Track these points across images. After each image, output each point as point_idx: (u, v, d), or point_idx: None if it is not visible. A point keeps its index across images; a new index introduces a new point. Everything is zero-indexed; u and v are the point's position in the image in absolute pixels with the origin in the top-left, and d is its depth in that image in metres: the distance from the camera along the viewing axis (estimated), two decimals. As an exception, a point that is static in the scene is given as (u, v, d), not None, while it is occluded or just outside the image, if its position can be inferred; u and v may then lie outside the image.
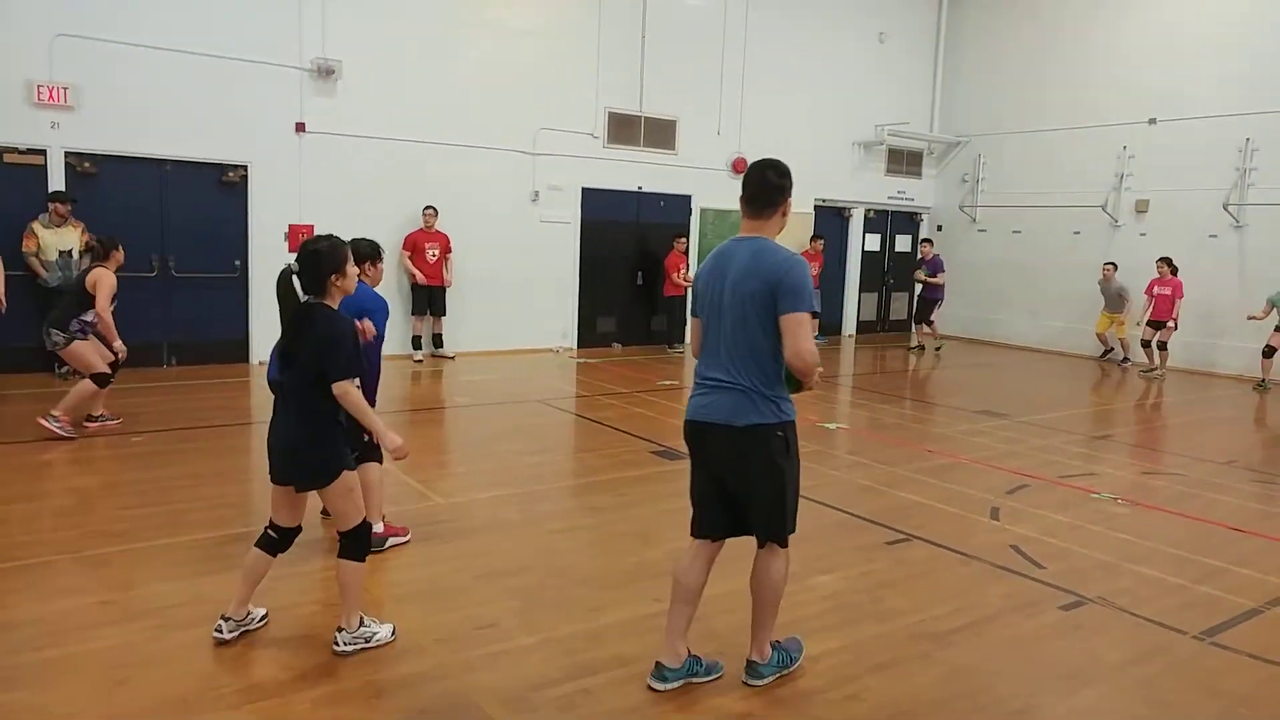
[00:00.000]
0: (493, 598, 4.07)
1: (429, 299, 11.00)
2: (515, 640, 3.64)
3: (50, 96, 8.76)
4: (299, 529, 3.56)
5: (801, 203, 14.79)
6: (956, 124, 16.16)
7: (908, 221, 16.80)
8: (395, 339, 10.70)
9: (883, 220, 16.45)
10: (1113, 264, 13.10)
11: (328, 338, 3.31)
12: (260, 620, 3.59)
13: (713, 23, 13.33)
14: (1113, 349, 13.37)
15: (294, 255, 3.44)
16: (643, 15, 12.56)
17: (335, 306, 3.44)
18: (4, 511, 4.98)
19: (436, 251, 10.90)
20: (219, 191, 9.93)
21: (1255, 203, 12.31)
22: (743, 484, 3.21)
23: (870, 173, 15.73)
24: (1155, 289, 12.29)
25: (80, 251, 8.57)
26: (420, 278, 10.81)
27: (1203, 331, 12.73)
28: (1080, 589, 4.44)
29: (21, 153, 8.81)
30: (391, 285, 10.64)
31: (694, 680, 3.32)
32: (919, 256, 14.74)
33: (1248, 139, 12.29)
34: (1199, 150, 12.78)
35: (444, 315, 11.15)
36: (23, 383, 8.40)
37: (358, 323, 4.09)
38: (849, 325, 16.22)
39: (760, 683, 3.33)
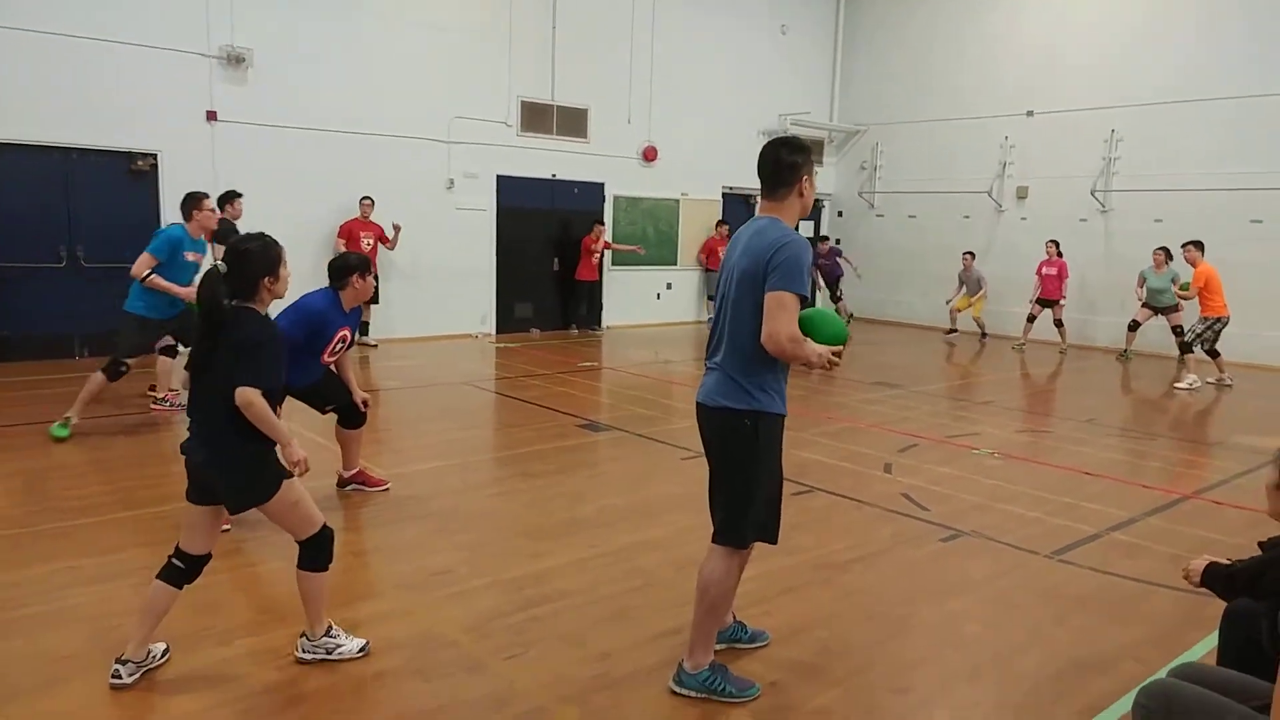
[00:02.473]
0: (443, 549, 4.49)
1: None
2: (468, 583, 4.07)
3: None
4: (209, 557, 3.21)
5: (710, 190, 15.48)
6: (855, 113, 17.06)
7: (811, 208, 17.62)
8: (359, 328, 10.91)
9: (787, 206, 17.22)
10: (971, 253, 14.33)
11: (250, 341, 3.01)
12: (162, 656, 3.21)
13: (622, 14, 13.76)
14: (956, 329, 14.51)
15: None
16: (553, 6, 12.90)
17: (263, 312, 3.16)
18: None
19: (371, 240, 11.05)
20: (128, 180, 9.86)
21: (1119, 189, 13.53)
22: (711, 469, 3.14)
23: (774, 161, 16.45)
24: (1043, 269, 13.28)
25: None
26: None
27: (1074, 308, 13.93)
28: (957, 525, 5.14)
29: None
30: (319, 275, 10.75)
31: (736, 645, 3.47)
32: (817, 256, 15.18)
33: (1113, 130, 13.48)
34: (1070, 140, 13.95)
35: (376, 303, 11.31)
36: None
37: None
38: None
39: (680, 690, 3.10)
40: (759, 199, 3.12)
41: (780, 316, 2.82)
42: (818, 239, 15.99)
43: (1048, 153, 14.27)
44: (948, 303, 14.55)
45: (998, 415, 8.54)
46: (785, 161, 3.01)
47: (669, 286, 15.18)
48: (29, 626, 3.52)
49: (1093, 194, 13.69)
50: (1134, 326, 12.25)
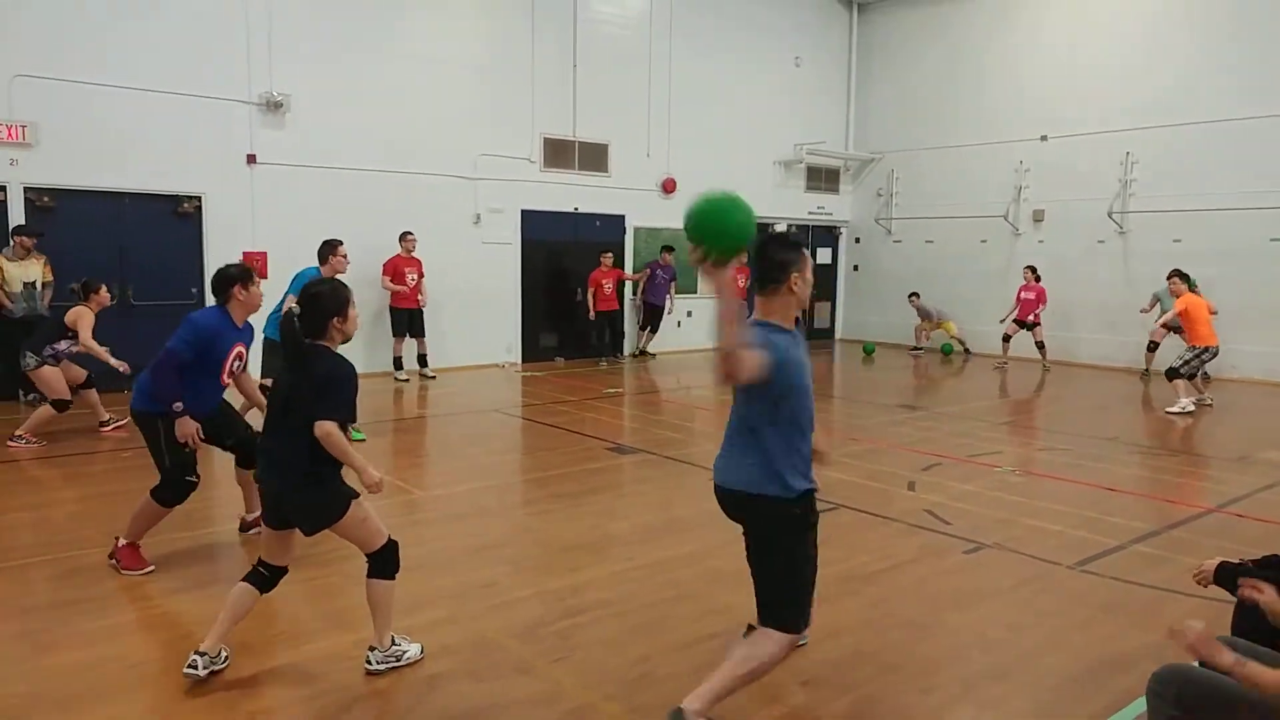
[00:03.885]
0: (486, 564, 4.70)
1: (409, 321, 11.45)
2: (513, 593, 4.28)
3: (9, 134, 9.06)
4: (286, 569, 3.50)
5: (730, 219, 15.70)
6: (870, 141, 17.34)
7: (827, 235, 17.90)
8: (378, 359, 11.33)
9: (804, 235, 17.49)
10: (916, 293, 15.29)
11: (329, 377, 3.27)
12: (224, 660, 3.41)
13: (639, 51, 14.17)
14: (922, 348, 15.31)
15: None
16: (574, 45, 13.33)
17: (336, 349, 3.44)
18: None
19: (415, 276, 11.38)
20: (174, 222, 10.28)
21: (1136, 210, 13.67)
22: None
23: (791, 190, 16.76)
24: (1022, 293, 13.72)
25: (43, 283, 8.88)
26: (403, 297, 11.27)
27: (1095, 328, 14.02)
28: (980, 538, 5.28)
29: None
30: (371, 309, 11.20)
31: None
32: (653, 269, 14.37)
33: (1128, 153, 13.65)
34: (1086, 163, 14.12)
35: (423, 335, 11.59)
36: (-11, 410, 8.65)
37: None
38: (778, 333, 17.14)
39: None
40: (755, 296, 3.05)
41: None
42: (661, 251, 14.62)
43: (1063, 176, 14.43)
44: (912, 350, 15.51)
45: (1019, 434, 8.67)
46: (776, 260, 2.97)
47: (689, 314, 15.43)
48: (107, 635, 3.75)
49: (1110, 216, 13.83)
50: (1153, 347, 12.32)
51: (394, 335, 11.48)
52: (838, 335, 18.06)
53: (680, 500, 6.17)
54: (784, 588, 2.98)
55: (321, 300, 3.39)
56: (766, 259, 2.98)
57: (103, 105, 9.56)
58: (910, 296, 15.35)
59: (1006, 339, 13.80)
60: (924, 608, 4.26)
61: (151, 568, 4.49)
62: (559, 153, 13.43)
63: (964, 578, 4.67)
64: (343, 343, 3.48)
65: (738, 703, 3.24)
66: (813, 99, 16.78)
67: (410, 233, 11.40)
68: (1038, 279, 13.64)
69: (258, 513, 4.93)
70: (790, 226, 17.08)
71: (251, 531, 5.00)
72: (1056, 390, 11.86)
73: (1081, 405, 10.91)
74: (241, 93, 10.50)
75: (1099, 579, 4.65)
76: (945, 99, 16.04)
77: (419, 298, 11.41)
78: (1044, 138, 14.65)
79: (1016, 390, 11.82)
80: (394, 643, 3.49)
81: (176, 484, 4.49)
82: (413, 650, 3.53)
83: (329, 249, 7.36)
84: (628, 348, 14.46)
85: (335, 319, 3.38)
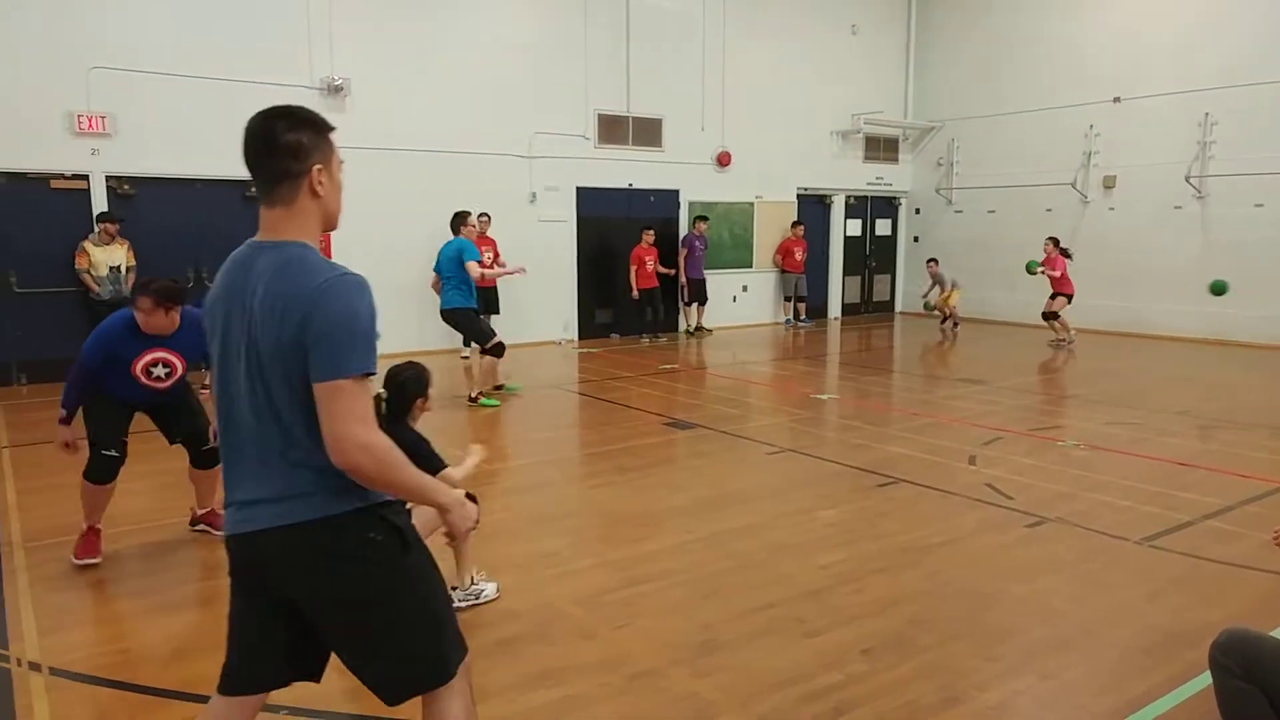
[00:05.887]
0: (549, 535, 4.84)
1: (485, 300, 11.63)
2: (576, 563, 4.41)
3: (89, 125, 9.47)
4: None
5: (784, 192, 15.62)
6: (929, 110, 16.96)
7: (887, 206, 17.61)
8: (444, 337, 10.94)
9: (863, 206, 17.25)
10: (935, 259, 14.93)
11: (413, 451, 3.33)
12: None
13: (693, 24, 14.07)
14: (948, 317, 14.46)
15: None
16: (626, 20, 13.29)
17: (415, 427, 3.73)
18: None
19: (490, 256, 11.56)
20: (244, 207, 10.59)
21: (1215, 174, 13.13)
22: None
23: (849, 160, 16.52)
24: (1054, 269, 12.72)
25: (127, 267, 9.28)
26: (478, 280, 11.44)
27: (1169, 297, 13.57)
28: (1043, 512, 5.23)
29: (67, 178, 9.51)
30: (418, 292, 11.34)
31: None
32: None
33: (1206, 113, 13.08)
34: (1161, 126, 13.58)
35: (498, 313, 11.74)
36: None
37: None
38: (834, 308, 17.03)
39: None
40: (260, 208, 2.05)
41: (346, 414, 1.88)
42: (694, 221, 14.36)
43: (1137, 140, 13.92)
44: (924, 298, 15.09)
45: (1084, 408, 8.49)
46: (283, 143, 2.00)
47: (745, 289, 15.38)
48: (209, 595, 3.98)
49: (1187, 180, 13.31)
50: None
51: None
52: (897, 309, 17.82)
53: (737, 474, 6.23)
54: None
55: (407, 387, 3.71)
56: (273, 143, 2.00)
57: (175, 94, 9.89)
58: (929, 262, 15.07)
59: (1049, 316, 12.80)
60: (985, 579, 4.25)
61: (98, 559, 4.39)
62: (613, 129, 13.45)
63: (1026, 551, 4.65)
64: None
65: (800, 670, 3.31)
66: (870, 67, 16.46)
67: (485, 214, 11.52)
68: (1063, 251, 12.63)
69: (210, 508, 4.86)
70: (849, 198, 16.88)
71: (199, 527, 4.88)
72: (1124, 363, 11.55)
73: (1151, 378, 10.62)
74: (304, 78, 10.74)
75: (1168, 554, 4.58)
76: (1006, 63, 15.58)
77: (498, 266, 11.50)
78: (1117, 99, 14.12)
79: (1082, 364, 11.54)
80: (473, 581, 3.85)
81: (93, 459, 4.39)
82: (489, 589, 3.89)
83: (460, 220, 8.52)
84: (680, 325, 14.48)
85: (420, 400, 3.74)
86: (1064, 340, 12.60)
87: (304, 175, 2.02)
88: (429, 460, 3.56)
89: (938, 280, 14.80)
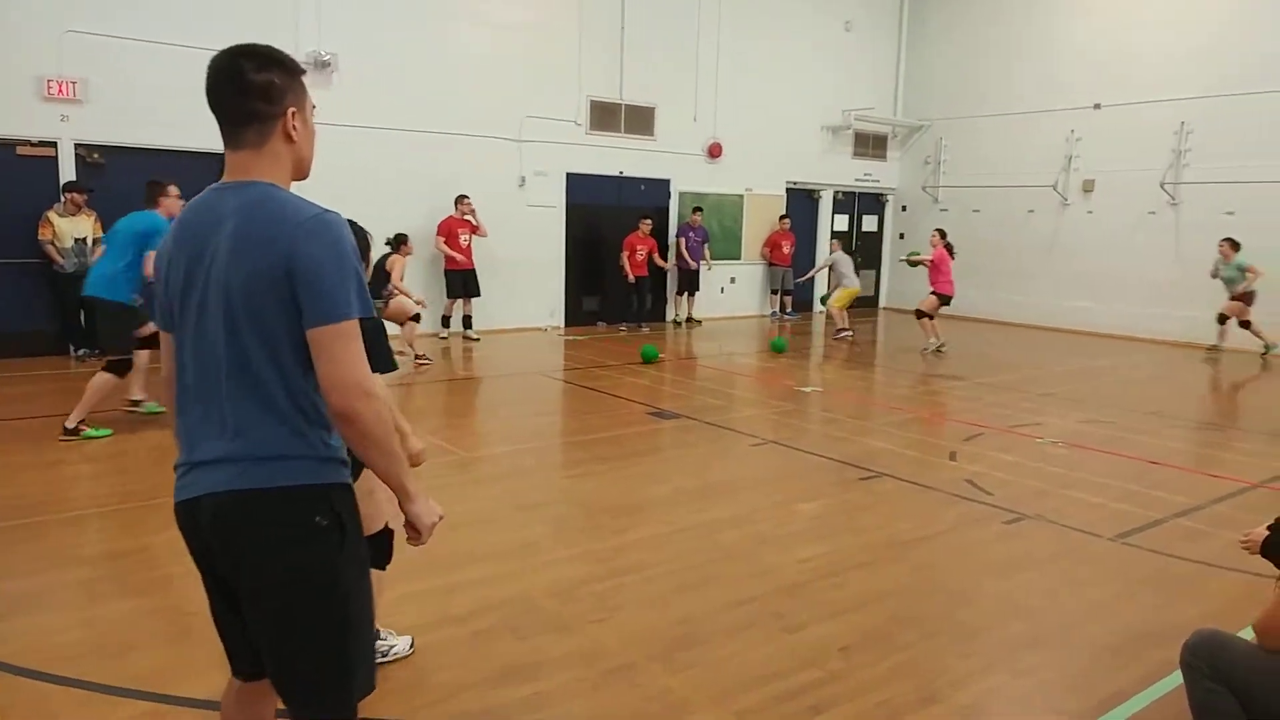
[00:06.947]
0: (529, 524, 4.82)
1: (464, 282, 11.62)
2: (555, 554, 4.39)
3: (60, 91, 9.22)
4: None
5: (773, 185, 15.62)
6: (919, 109, 17.00)
7: (874, 202, 17.66)
8: (427, 318, 10.69)
9: (850, 201, 17.28)
10: (837, 236, 14.21)
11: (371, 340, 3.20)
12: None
13: (688, 13, 14.00)
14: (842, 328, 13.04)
15: None
16: (622, 6, 13.20)
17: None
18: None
19: (468, 238, 11.52)
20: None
21: (1189, 181, 13.27)
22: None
23: (838, 156, 16.53)
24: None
25: (93, 239, 9.03)
26: (458, 261, 11.45)
27: (1143, 302, 13.71)
28: (1021, 508, 5.28)
29: (34, 145, 9.26)
30: (425, 271, 11.37)
31: None
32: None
33: (1182, 122, 13.22)
34: (1139, 133, 13.71)
35: (479, 295, 11.76)
36: (40, 365, 8.96)
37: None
38: (820, 301, 17.05)
39: None
40: (225, 151, 1.95)
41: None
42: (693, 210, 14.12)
43: (1115, 146, 14.04)
44: (822, 300, 13.72)
45: (1060, 406, 8.57)
46: (253, 82, 1.92)
47: (733, 281, 15.38)
48: (159, 585, 3.94)
49: (1162, 186, 13.45)
50: (1223, 320, 11.97)
51: (448, 297, 11.66)
52: (882, 304, 17.89)
53: (720, 465, 6.24)
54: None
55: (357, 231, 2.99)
56: (244, 83, 1.92)
57: (152, 61, 9.63)
58: (832, 240, 13.74)
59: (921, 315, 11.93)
60: (963, 575, 4.29)
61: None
62: (605, 115, 13.38)
63: (1004, 547, 4.69)
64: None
65: (778, 667, 3.32)
66: (862, 64, 16.46)
67: (466, 196, 11.49)
68: (948, 245, 11.90)
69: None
70: (837, 193, 16.89)
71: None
72: (1100, 363, 11.66)
73: (1127, 379, 10.72)
74: (290, 51, 10.36)
75: (1139, 551, 4.63)
76: (995, 66, 15.65)
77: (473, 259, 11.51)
78: (1098, 105, 14.24)
79: (1059, 362, 11.64)
80: (379, 635, 3.17)
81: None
82: (400, 644, 3.30)
83: (157, 190, 6.57)
84: (668, 315, 14.48)
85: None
86: (931, 344, 11.54)
87: (277, 119, 1.93)
88: (383, 358, 2.95)
89: (834, 268, 13.00)
